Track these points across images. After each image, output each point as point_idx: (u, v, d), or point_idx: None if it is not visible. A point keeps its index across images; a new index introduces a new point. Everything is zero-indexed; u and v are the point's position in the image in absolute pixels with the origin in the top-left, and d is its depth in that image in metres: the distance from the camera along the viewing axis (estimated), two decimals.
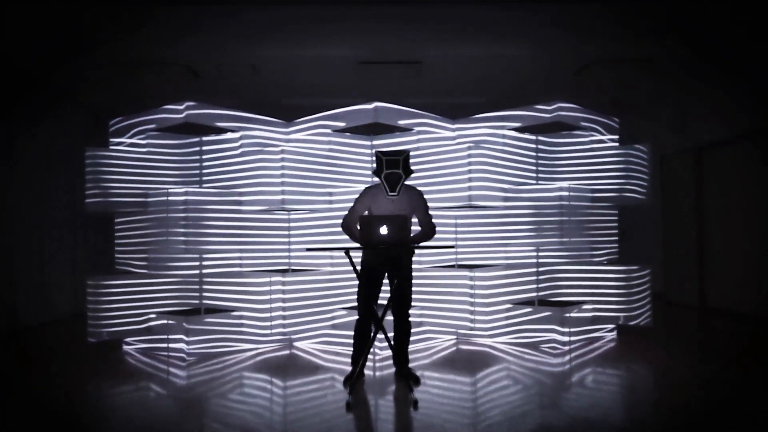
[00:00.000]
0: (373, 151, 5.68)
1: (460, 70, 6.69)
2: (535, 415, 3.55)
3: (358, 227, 3.89)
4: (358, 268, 4.03)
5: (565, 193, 5.40)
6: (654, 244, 8.33)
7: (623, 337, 5.68)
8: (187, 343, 5.04)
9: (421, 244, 4.10)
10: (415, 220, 4.28)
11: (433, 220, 4.23)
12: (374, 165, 4.66)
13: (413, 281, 4.25)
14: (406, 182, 4.23)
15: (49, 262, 6.97)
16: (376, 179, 4.22)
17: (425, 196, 4.22)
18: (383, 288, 4.23)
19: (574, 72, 6.70)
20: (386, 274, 4.19)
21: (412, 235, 4.05)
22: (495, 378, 4.42)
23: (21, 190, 6.55)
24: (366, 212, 4.12)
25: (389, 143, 5.83)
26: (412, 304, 4.27)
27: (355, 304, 4.39)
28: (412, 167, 5.49)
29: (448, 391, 4.11)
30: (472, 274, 5.52)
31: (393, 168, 4.01)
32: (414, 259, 4.29)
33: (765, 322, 6.19)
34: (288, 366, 4.75)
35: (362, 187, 4.32)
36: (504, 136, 5.70)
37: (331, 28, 5.41)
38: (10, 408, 3.74)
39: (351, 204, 4.21)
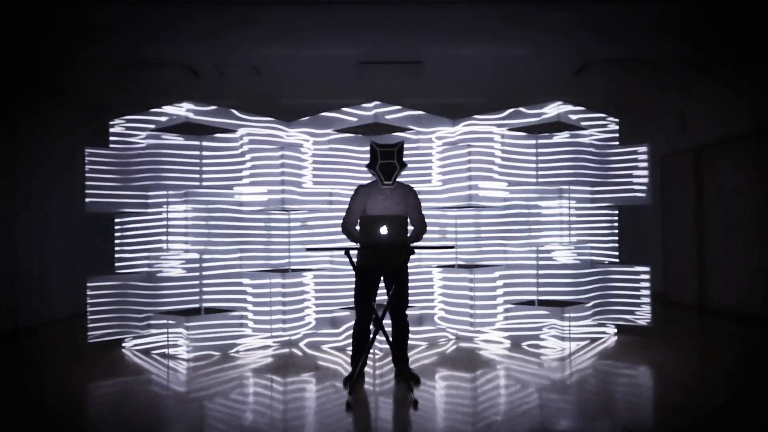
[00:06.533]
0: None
1: (460, 70, 6.69)
2: (535, 415, 3.56)
3: (358, 228, 3.88)
4: None
5: (565, 194, 5.40)
6: (654, 244, 8.33)
7: (623, 337, 5.68)
8: (187, 343, 5.04)
9: (422, 243, 4.09)
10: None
11: (433, 220, 4.22)
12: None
13: (409, 281, 4.23)
14: (399, 180, 4.21)
15: (49, 263, 6.96)
16: (369, 178, 4.21)
17: (420, 196, 4.22)
18: (380, 288, 4.22)
19: (574, 72, 6.70)
20: (383, 275, 4.17)
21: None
22: (494, 378, 4.42)
23: (21, 190, 6.55)
24: (362, 211, 4.11)
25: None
26: (409, 304, 4.26)
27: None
28: (413, 167, 5.52)
29: (448, 391, 4.11)
30: (472, 274, 5.52)
31: (387, 159, 4.01)
32: (413, 257, 4.28)
33: (765, 322, 6.18)
34: (288, 366, 4.75)
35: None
36: (504, 136, 5.69)
37: (331, 28, 5.41)
38: (11, 408, 3.74)
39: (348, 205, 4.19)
